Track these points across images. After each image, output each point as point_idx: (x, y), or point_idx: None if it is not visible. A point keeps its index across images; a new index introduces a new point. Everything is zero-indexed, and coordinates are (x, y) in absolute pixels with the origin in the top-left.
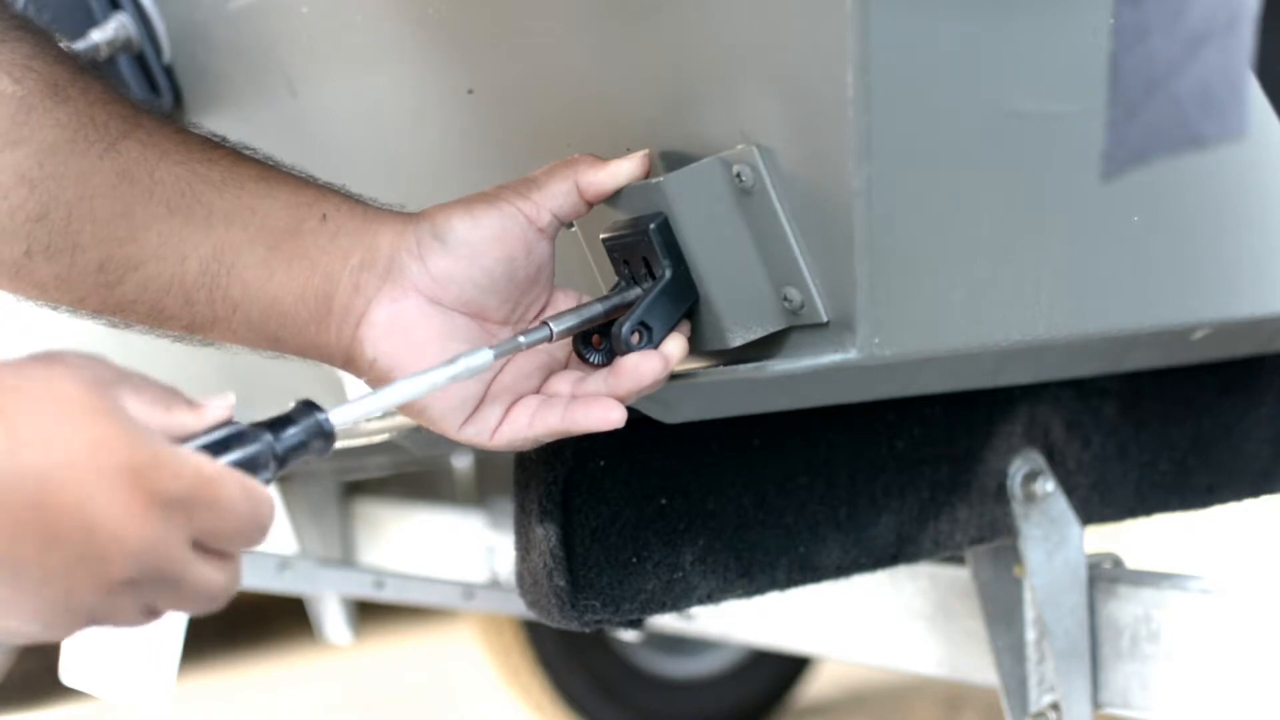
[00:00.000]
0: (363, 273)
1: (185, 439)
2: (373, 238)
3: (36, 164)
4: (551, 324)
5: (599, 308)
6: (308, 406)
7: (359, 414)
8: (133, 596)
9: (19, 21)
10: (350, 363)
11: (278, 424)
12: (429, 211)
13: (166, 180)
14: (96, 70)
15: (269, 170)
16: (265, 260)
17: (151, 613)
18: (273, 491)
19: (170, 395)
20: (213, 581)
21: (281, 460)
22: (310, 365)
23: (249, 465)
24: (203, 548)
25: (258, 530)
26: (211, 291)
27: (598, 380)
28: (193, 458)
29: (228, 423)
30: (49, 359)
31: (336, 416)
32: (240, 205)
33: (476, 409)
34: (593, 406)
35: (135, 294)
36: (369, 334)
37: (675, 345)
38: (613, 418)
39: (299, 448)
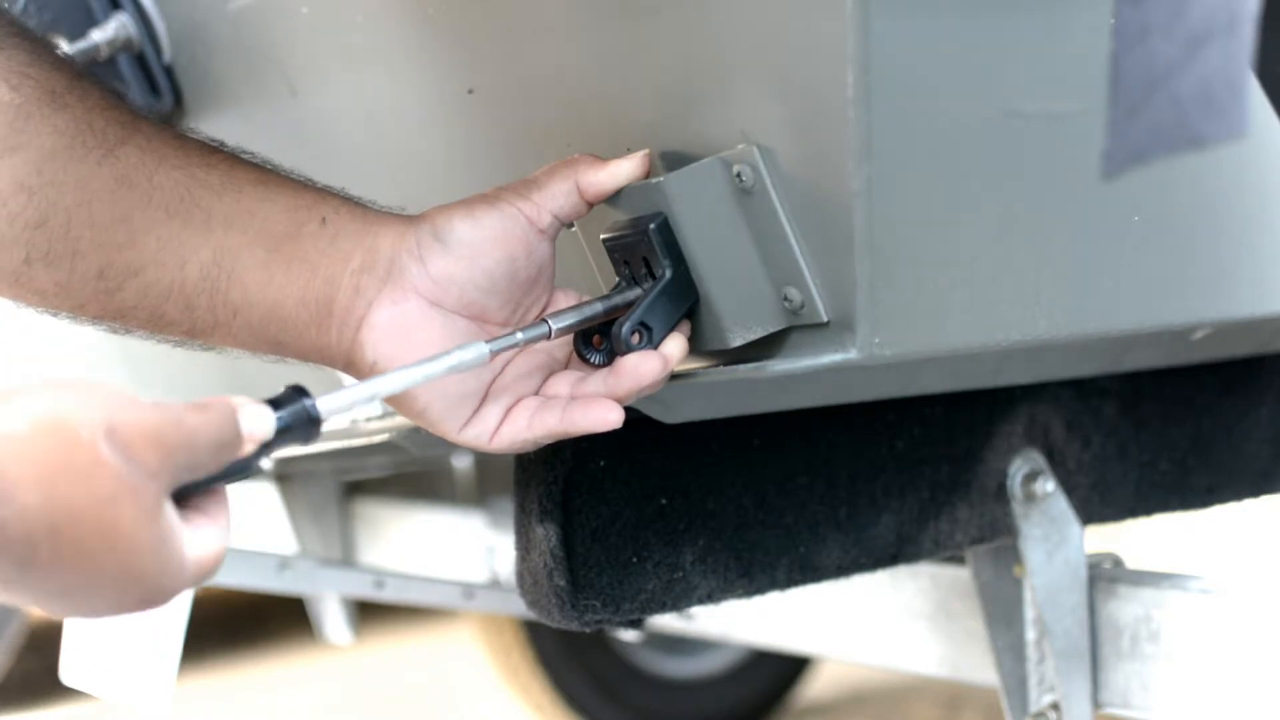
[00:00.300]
0: (363, 275)
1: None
2: (373, 240)
3: (35, 171)
4: (550, 322)
5: (599, 307)
6: (297, 392)
7: (349, 402)
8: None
9: (16, 28)
10: (351, 366)
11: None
12: (429, 213)
13: (165, 185)
14: (94, 76)
15: (268, 174)
16: (265, 264)
17: None
18: (273, 491)
19: (170, 433)
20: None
21: (267, 444)
22: (312, 368)
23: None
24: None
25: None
26: (212, 296)
27: (597, 381)
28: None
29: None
30: (48, 394)
31: (324, 403)
32: (239, 209)
33: (476, 411)
34: (591, 408)
35: (135, 300)
36: (370, 337)
37: (675, 345)
38: (611, 419)
39: (285, 432)
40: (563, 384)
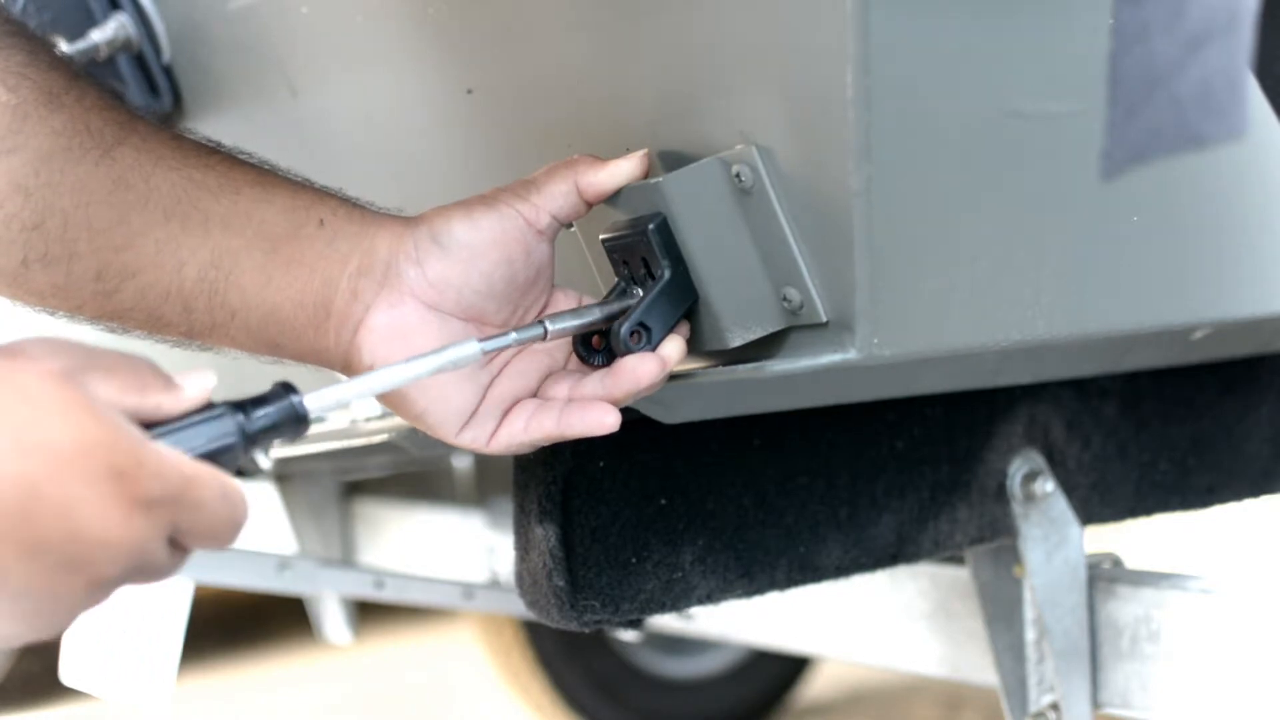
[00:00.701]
0: (360, 279)
1: (161, 422)
2: (370, 242)
3: (32, 172)
4: (547, 323)
5: (597, 313)
6: (285, 388)
7: (338, 399)
8: (112, 589)
9: (13, 28)
10: (349, 368)
11: (253, 404)
12: (427, 215)
13: (162, 186)
14: (91, 76)
15: (265, 175)
16: (263, 266)
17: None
18: (273, 491)
19: (144, 375)
20: (174, 566)
21: (252, 440)
22: (311, 368)
23: (222, 451)
24: (175, 542)
25: (233, 530)
26: (210, 298)
27: (595, 382)
28: (173, 458)
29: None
30: (9, 352)
31: (312, 400)
32: (237, 211)
33: (474, 413)
34: (588, 410)
35: (133, 301)
36: (367, 340)
37: (673, 347)
38: (607, 422)
39: (271, 429)
40: (561, 386)
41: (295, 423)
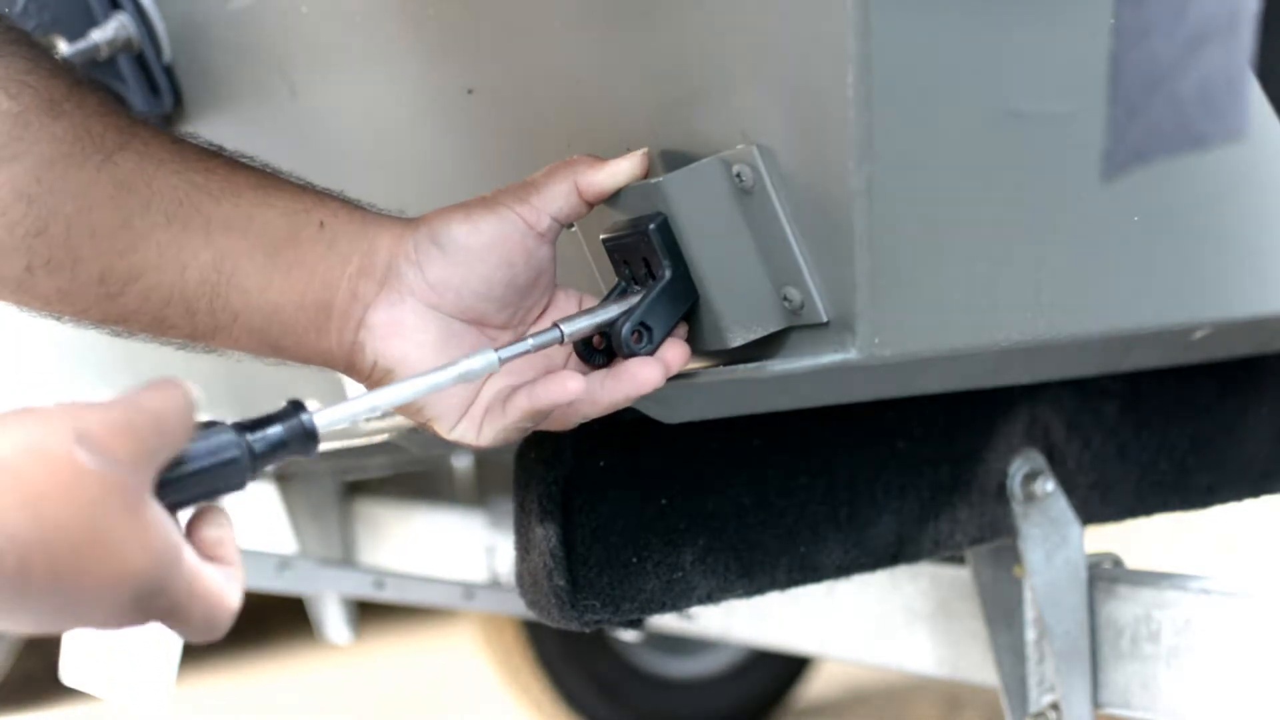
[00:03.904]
0: (360, 280)
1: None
2: (370, 244)
3: (34, 179)
4: (563, 327)
5: (613, 311)
6: (294, 406)
7: (348, 415)
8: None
9: (14, 35)
10: (352, 368)
11: (261, 423)
12: (427, 217)
13: (164, 190)
14: (92, 81)
15: (266, 178)
16: (264, 269)
17: None
18: (273, 491)
19: (135, 418)
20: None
21: (258, 459)
22: (314, 369)
23: (229, 474)
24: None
25: (213, 631)
26: (212, 301)
27: (595, 384)
28: (184, 577)
29: (210, 423)
30: (11, 422)
31: (322, 417)
32: (238, 214)
33: (468, 409)
34: (552, 380)
35: (137, 305)
36: (368, 340)
37: (676, 352)
38: (570, 387)
39: (279, 447)
40: None
41: (305, 440)
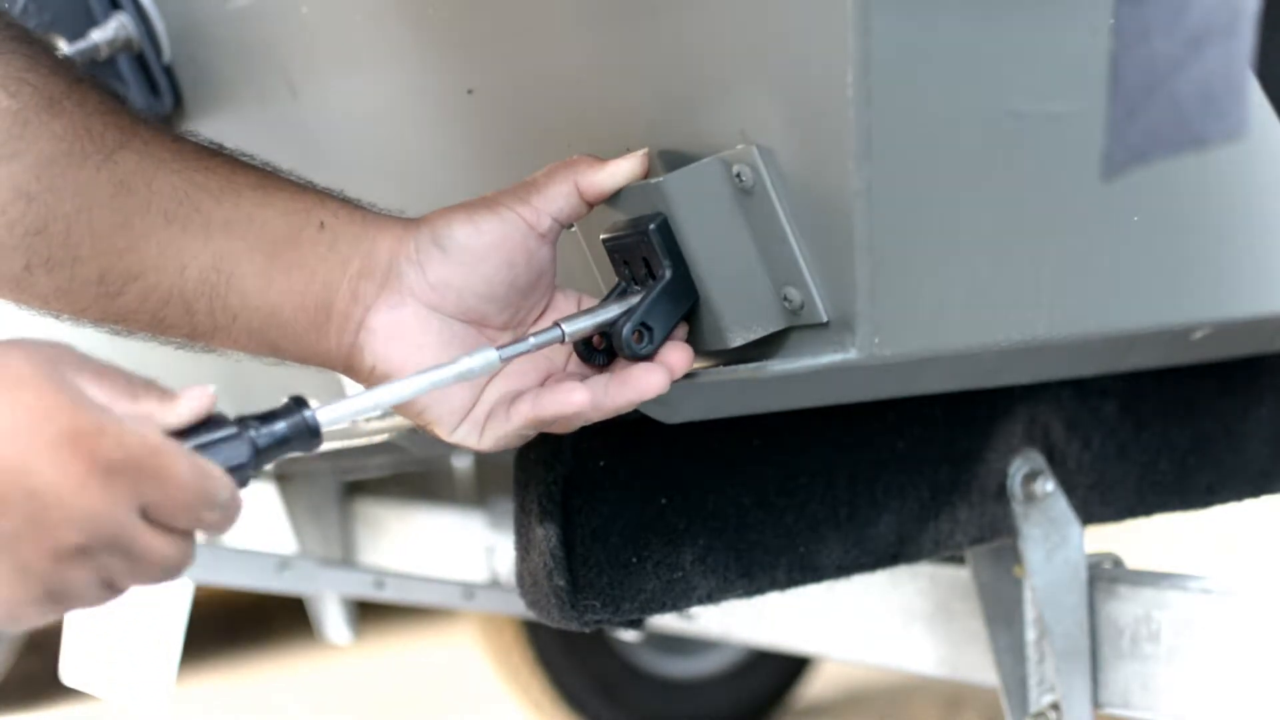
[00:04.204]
0: (361, 281)
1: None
2: (371, 244)
3: (34, 177)
4: (564, 326)
5: (614, 310)
6: (296, 403)
7: (349, 412)
8: (87, 567)
9: (14, 33)
10: (351, 370)
11: (264, 419)
12: (429, 217)
13: (164, 190)
14: (92, 80)
15: (267, 178)
16: (264, 269)
17: (110, 587)
18: (273, 491)
19: (137, 385)
20: (164, 554)
21: (262, 453)
22: (314, 369)
23: (220, 454)
24: (152, 520)
25: (208, 506)
26: (211, 301)
27: (600, 388)
28: (138, 430)
29: (213, 417)
30: (7, 343)
31: (324, 414)
32: (238, 214)
33: (470, 411)
34: (558, 390)
35: (136, 304)
36: (368, 341)
37: (679, 356)
38: (576, 399)
39: (282, 442)
40: None
41: (308, 436)
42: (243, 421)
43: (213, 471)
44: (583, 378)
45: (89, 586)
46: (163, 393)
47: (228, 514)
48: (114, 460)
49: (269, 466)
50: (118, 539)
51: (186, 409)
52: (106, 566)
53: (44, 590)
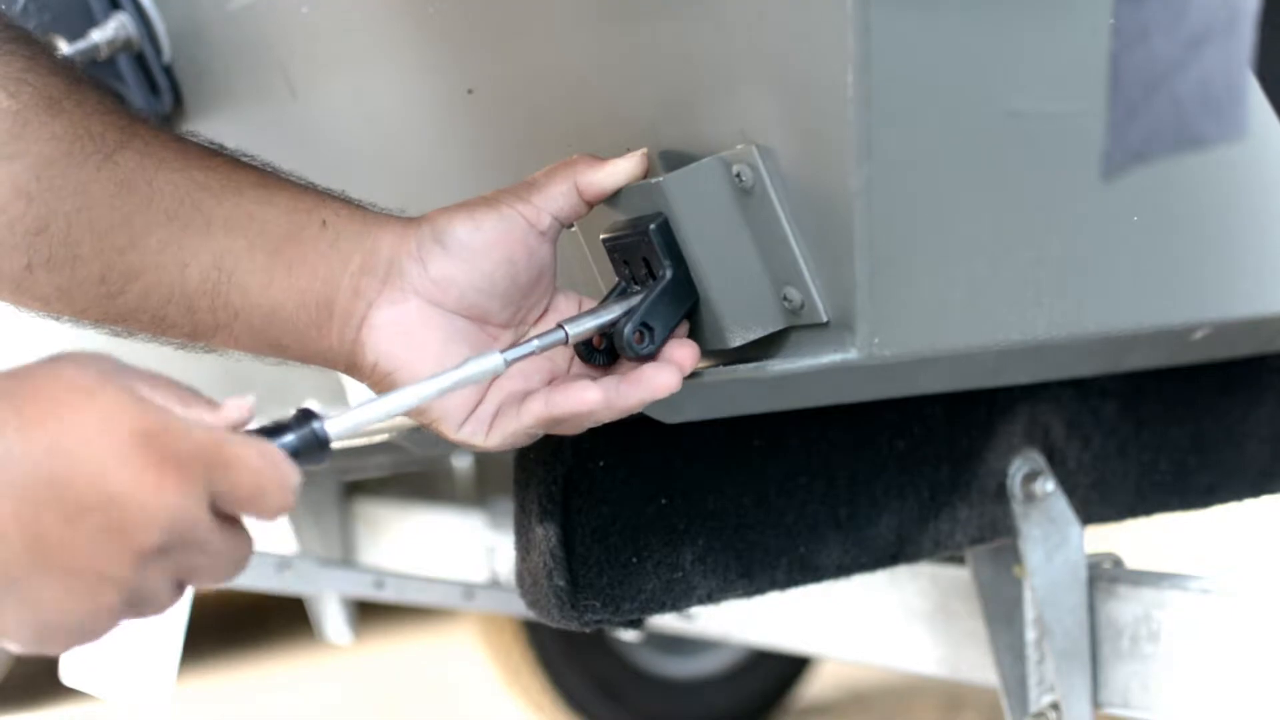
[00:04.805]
0: (363, 277)
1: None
2: (373, 242)
3: (34, 177)
4: (567, 327)
5: (617, 311)
6: (305, 415)
7: (359, 422)
8: (165, 567)
9: (14, 34)
10: (353, 368)
11: (274, 431)
12: (430, 215)
13: (165, 189)
14: (92, 79)
15: (267, 177)
16: (265, 267)
17: (180, 588)
18: None
19: (186, 393)
20: (235, 545)
21: None
22: (314, 369)
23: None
24: (221, 512)
25: (278, 488)
26: (213, 299)
27: (610, 389)
28: (202, 424)
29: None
30: (54, 357)
31: (333, 425)
32: (239, 212)
33: (474, 410)
34: (570, 388)
35: (137, 303)
36: (370, 338)
37: (685, 353)
38: (588, 398)
39: (293, 455)
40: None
41: (318, 448)
42: (256, 434)
43: (276, 453)
44: (589, 378)
45: (164, 588)
46: (208, 401)
47: (295, 500)
48: (185, 453)
49: None
50: (194, 534)
51: (233, 415)
52: (182, 565)
53: (122, 597)
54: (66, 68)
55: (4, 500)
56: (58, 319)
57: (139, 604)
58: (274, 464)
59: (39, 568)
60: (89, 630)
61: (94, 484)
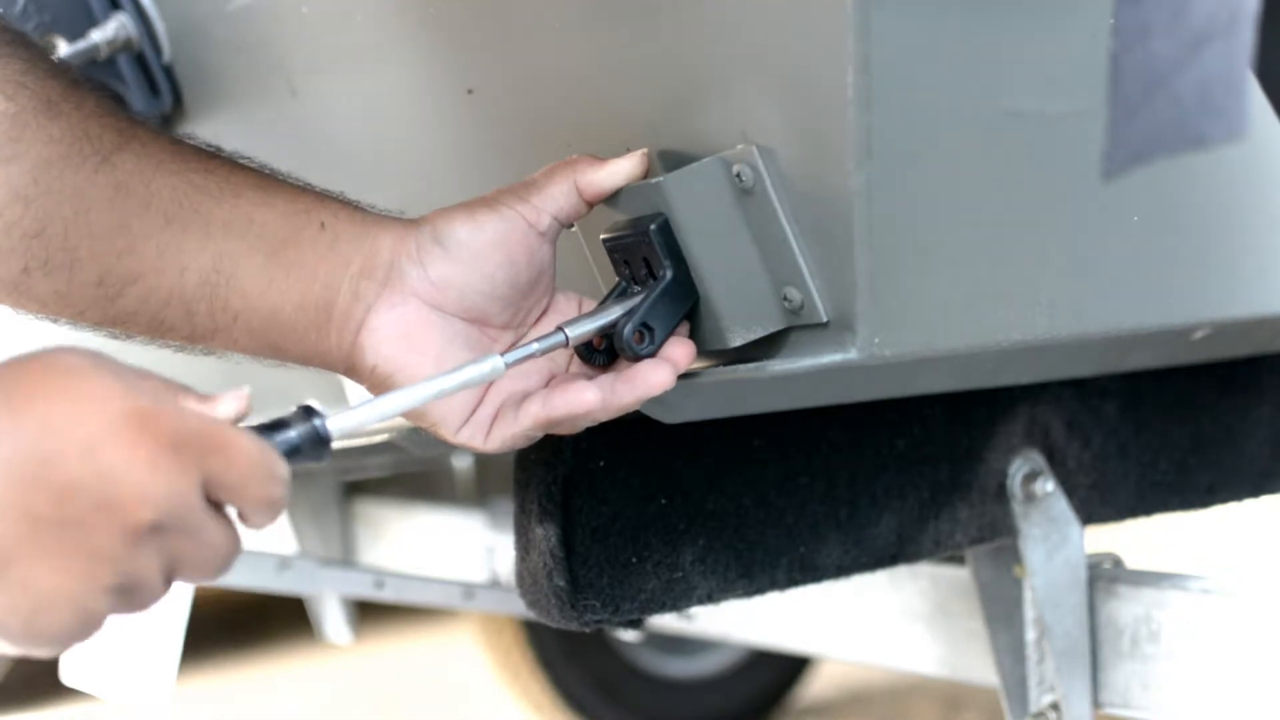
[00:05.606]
0: (362, 280)
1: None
2: (372, 244)
3: (31, 180)
4: (567, 330)
5: (616, 312)
6: (306, 412)
7: (359, 421)
8: (157, 549)
9: (11, 36)
10: (352, 370)
11: (274, 427)
12: (429, 216)
13: (163, 191)
14: (90, 82)
15: (266, 179)
16: (264, 269)
17: (169, 578)
18: None
19: (177, 387)
20: (224, 536)
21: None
22: (314, 371)
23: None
24: (211, 500)
25: (271, 480)
26: (211, 302)
27: (606, 388)
28: (196, 409)
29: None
30: (47, 348)
31: (334, 423)
32: (238, 214)
33: (473, 412)
34: (569, 389)
35: (135, 306)
36: (369, 340)
37: (682, 351)
38: (586, 398)
39: (293, 452)
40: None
41: (318, 445)
42: (256, 431)
43: (270, 447)
44: (588, 377)
45: (156, 574)
46: (201, 395)
47: (284, 493)
48: (180, 434)
49: None
50: (187, 517)
51: (229, 408)
52: (172, 550)
53: (115, 578)
54: (64, 70)
55: None
56: (56, 321)
57: (129, 591)
58: (266, 452)
59: (30, 548)
60: (81, 620)
61: (86, 461)
